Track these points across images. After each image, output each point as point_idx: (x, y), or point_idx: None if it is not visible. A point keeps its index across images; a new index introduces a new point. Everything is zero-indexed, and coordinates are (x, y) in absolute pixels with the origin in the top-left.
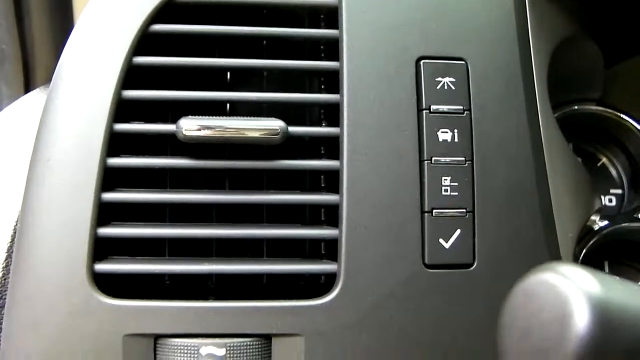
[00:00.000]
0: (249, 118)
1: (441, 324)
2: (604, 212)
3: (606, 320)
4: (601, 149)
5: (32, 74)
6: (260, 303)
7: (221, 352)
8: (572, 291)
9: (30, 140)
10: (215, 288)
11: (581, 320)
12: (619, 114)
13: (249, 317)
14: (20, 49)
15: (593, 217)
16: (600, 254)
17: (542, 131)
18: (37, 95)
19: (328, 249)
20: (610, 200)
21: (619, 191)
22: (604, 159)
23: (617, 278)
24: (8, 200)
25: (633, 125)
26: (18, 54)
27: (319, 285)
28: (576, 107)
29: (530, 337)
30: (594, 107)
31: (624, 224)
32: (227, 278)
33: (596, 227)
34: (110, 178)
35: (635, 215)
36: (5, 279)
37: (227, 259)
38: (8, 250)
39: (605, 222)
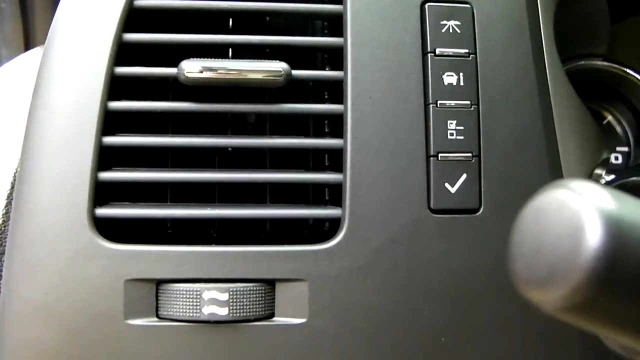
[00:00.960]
0: (251, 60)
1: (447, 269)
2: (610, 168)
3: (619, 235)
4: (607, 107)
5: (31, 33)
6: (264, 248)
7: (224, 297)
8: (584, 206)
9: (30, 91)
10: (217, 237)
11: (594, 235)
12: (625, 69)
13: (252, 262)
14: (20, 7)
15: (599, 171)
16: None
17: (548, 76)
18: (37, 52)
19: (332, 196)
20: (616, 158)
21: (625, 149)
22: (610, 117)
23: (631, 196)
24: (8, 149)
25: (639, 81)
26: (17, 13)
27: (322, 233)
28: (582, 62)
29: (541, 253)
30: (599, 63)
31: (631, 178)
32: (230, 225)
33: (603, 182)
34: (111, 123)
35: None
36: (5, 226)
37: (230, 205)
38: (8, 197)
39: (612, 176)
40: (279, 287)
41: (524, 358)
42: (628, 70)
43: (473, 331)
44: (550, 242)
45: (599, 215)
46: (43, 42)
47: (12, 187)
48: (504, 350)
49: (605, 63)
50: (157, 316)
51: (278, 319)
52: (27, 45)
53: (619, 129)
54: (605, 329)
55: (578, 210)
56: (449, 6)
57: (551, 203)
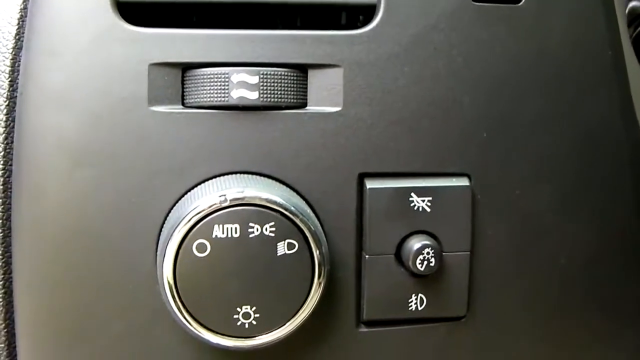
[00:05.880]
0: None
1: (488, 60)
2: None
3: None
4: None
5: None
6: (297, 32)
7: (254, 79)
8: None
9: None
10: None
11: None
12: None
13: (284, 45)
14: None
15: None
16: None
17: None
18: None
19: None
20: None
21: None
22: None
23: None
24: None
25: None
26: None
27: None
28: None
29: None
30: None
31: None
32: (258, 25)
33: None
34: None
35: None
36: (23, 20)
37: None
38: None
39: None
40: (312, 74)
41: (569, 159)
42: None
43: (517, 127)
44: None
45: None
46: None
47: None
48: (549, 147)
49: None
50: (183, 104)
51: (311, 108)
52: None
53: None
54: None
55: None
56: None
57: None
